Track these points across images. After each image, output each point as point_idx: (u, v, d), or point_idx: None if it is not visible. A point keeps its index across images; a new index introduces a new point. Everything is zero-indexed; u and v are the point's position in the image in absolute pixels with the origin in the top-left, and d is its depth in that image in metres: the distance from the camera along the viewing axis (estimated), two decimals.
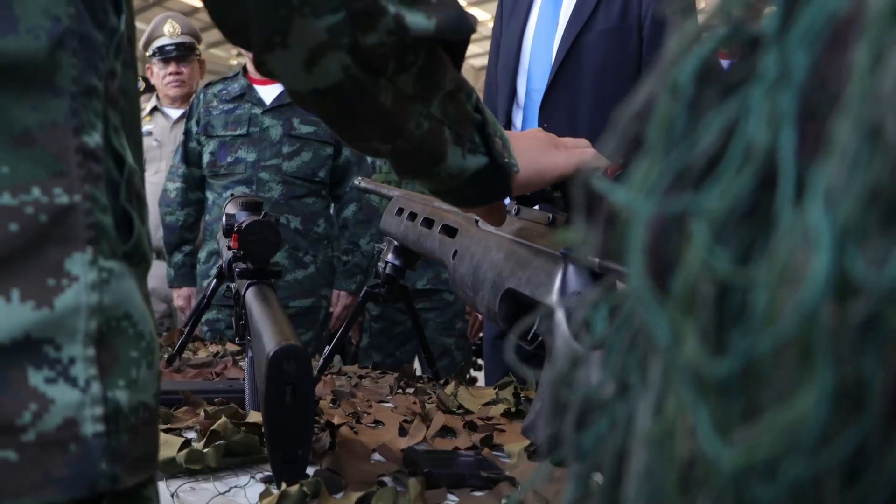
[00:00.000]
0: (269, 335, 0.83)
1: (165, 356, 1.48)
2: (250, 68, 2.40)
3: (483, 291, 0.88)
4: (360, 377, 1.45)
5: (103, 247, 0.45)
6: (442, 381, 1.41)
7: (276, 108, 2.31)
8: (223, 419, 0.91)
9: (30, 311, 0.41)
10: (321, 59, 0.52)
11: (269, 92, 2.35)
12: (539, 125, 1.80)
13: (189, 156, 2.37)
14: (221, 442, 0.88)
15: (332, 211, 2.46)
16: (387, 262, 1.25)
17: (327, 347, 1.32)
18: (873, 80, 0.15)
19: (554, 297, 0.75)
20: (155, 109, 2.87)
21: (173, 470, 0.84)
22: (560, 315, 0.73)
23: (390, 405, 1.21)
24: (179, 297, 2.37)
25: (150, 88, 2.95)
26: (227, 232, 1.19)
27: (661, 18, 1.73)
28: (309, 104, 0.61)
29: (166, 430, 0.96)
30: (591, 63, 1.75)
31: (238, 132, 2.30)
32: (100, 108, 0.47)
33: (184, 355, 1.53)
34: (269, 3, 0.48)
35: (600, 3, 1.76)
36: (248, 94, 2.34)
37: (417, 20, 0.54)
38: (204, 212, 2.37)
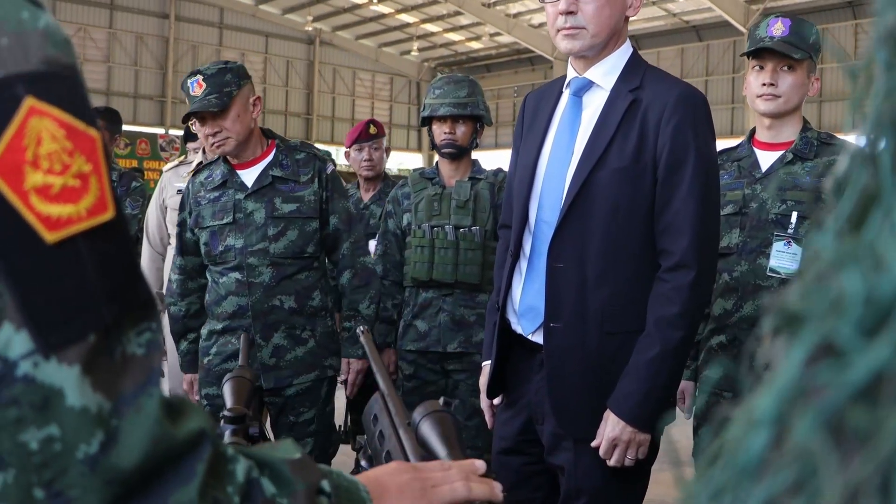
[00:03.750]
0: None
1: None
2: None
3: None
4: None
5: None
6: None
7: (258, 190, 2.32)
8: None
9: None
10: None
11: (249, 175, 2.35)
12: (548, 265, 1.76)
13: (185, 246, 2.39)
14: None
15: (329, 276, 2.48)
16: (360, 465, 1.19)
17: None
18: None
19: None
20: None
21: None
22: None
23: None
24: (185, 381, 2.48)
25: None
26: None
27: (675, 162, 1.69)
28: None
29: None
30: (603, 201, 1.70)
31: (225, 220, 2.31)
32: None
33: None
34: None
35: (615, 139, 1.71)
36: (230, 180, 2.34)
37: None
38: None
